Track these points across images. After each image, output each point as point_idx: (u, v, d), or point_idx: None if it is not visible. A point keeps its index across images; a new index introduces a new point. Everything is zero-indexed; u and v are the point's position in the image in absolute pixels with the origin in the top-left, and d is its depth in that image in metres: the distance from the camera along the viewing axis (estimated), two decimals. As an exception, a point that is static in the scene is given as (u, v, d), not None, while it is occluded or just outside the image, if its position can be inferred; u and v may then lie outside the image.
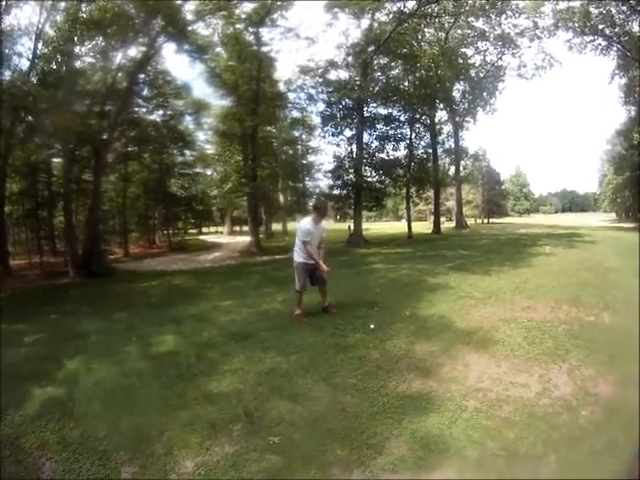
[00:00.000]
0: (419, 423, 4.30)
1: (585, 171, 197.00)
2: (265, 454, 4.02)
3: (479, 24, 35.79)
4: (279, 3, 27.49)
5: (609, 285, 9.82)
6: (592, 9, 32.37)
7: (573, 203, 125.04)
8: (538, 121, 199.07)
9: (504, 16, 34.09)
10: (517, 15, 34.12)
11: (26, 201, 30.10)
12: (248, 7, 27.41)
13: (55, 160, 28.54)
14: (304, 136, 40.40)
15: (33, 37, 23.80)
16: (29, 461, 4.24)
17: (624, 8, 31.73)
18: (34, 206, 30.07)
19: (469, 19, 34.66)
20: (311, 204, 36.77)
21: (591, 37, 34.17)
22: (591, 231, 28.41)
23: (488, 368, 5.45)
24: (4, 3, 21.96)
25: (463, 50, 37.62)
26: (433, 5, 30.21)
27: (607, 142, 59.33)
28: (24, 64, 24.01)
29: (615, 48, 34.68)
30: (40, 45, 24.24)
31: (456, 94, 38.69)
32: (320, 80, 32.30)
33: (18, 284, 20.67)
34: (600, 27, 32.97)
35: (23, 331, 9.52)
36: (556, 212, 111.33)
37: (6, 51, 22.82)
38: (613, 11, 32.21)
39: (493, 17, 34.07)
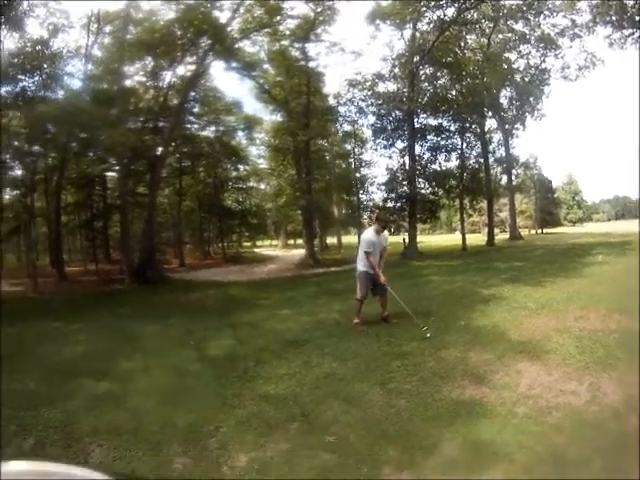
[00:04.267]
0: (471, 427, 4.37)
1: (637, 174, 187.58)
2: (319, 452, 4.12)
3: (519, 27, 35.20)
4: (321, 18, 27.82)
5: None
6: (627, 1, 31.45)
7: (626, 210, 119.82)
8: (586, 124, 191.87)
9: (542, 16, 33.41)
10: (555, 14, 33.42)
11: (81, 212, 31.59)
12: (292, 23, 27.96)
13: (109, 174, 29.81)
14: (356, 149, 40.38)
15: (83, 59, 25.27)
16: (78, 446, 4.42)
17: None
18: (90, 217, 31.47)
19: (508, 22, 34.17)
20: (365, 217, 36.97)
21: (630, 30, 33.13)
22: None
23: (539, 376, 5.48)
24: (51, 27, 23.05)
25: (506, 55, 37.00)
26: (472, 11, 30.11)
27: None
28: (75, 84, 25.52)
29: None
30: (90, 66, 25.71)
31: (503, 101, 38.07)
32: (369, 93, 32.58)
33: (74, 288, 21.67)
34: (637, 19, 32.00)
35: (79, 330, 10.07)
36: (609, 220, 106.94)
37: (57, 72, 24.00)
38: None
39: (532, 18, 33.42)
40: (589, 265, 15.41)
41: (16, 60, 22.83)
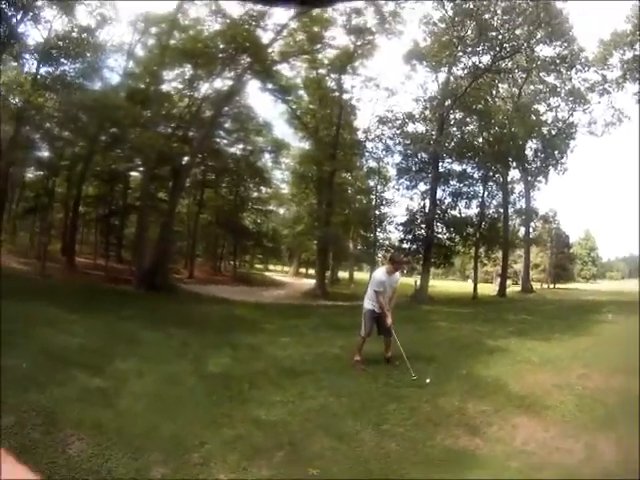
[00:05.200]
0: (459, 477, 4.30)
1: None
2: (300, 483, 4.03)
3: (550, 79, 35.52)
4: (360, 52, 28.20)
5: None
6: None
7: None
8: (607, 180, 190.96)
9: (574, 70, 33.69)
10: (586, 69, 33.76)
11: (100, 206, 31.81)
12: (331, 53, 28.30)
13: (133, 173, 30.04)
14: (379, 186, 40.42)
15: (124, 55, 25.88)
16: (59, 435, 4.43)
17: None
18: (107, 212, 31.75)
19: (541, 74, 34.47)
20: (380, 255, 36.86)
21: None
22: None
23: (536, 432, 5.37)
24: (99, 18, 23.59)
25: (535, 106, 37.24)
26: (507, 60, 30.39)
27: None
28: (114, 79, 26.18)
29: None
30: (130, 64, 26.26)
31: (528, 152, 38.02)
32: (398, 131, 32.61)
33: (81, 280, 21.84)
34: None
35: (79, 321, 10.12)
36: (622, 278, 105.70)
37: (98, 63, 24.53)
38: None
39: (564, 71, 33.71)
40: (598, 323, 15.26)
41: (61, 43, 23.33)
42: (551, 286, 54.47)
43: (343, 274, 46.61)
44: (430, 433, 5.29)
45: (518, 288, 42.60)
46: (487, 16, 28.49)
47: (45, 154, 25.73)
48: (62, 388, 5.66)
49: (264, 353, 9.24)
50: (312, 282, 33.94)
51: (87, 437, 4.46)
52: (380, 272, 8.47)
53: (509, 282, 42.69)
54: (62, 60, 23.67)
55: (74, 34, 23.76)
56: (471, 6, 27.90)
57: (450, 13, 28.91)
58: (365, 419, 5.66)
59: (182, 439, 4.71)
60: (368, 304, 8.39)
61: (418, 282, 29.73)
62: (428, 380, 7.31)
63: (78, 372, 6.38)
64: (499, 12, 28.62)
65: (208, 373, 7.42)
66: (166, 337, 10.10)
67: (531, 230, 42.81)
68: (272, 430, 5.15)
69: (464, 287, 43.68)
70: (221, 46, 24.09)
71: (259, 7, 23.11)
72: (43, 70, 23.21)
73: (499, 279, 39.61)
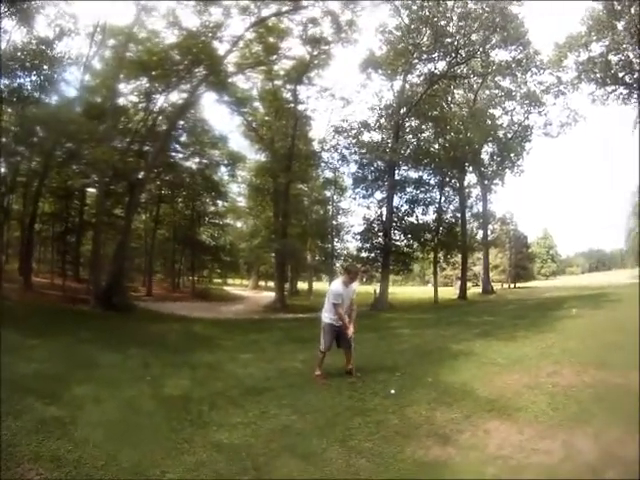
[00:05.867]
0: (435, 490, 4.09)
1: (612, 228, 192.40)
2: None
3: (506, 83, 36.77)
4: (316, 62, 28.31)
5: (636, 345, 9.58)
6: (611, 57, 32.96)
7: (600, 262, 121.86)
8: (564, 179, 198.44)
9: (529, 73, 35.03)
10: (542, 71, 34.99)
11: (56, 223, 31.35)
12: (287, 64, 28.52)
13: (90, 190, 29.37)
14: (335, 196, 40.66)
15: (81, 68, 25.39)
16: (17, 470, 4.27)
17: (642, 52, 32.11)
18: (64, 230, 31.21)
19: (496, 78, 35.36)
20: (339, 265, 36.98)
21: (612, 87, 34.50)
22: (618, 290, 27.77)
23: (510, 435, 5.23)
24: (57, 30, 23.16)
25: (491, 111, 38.24)
26: (462, 66, 30.99)
27: (633, 194, 57.52)
28: (70, 92, 25.68)
29: (636, 95, 34.96)
30: (87, 77, 25.80)
31: (484, 156, 38.87)
32: (353, 141, 32.91)
33: (38, 301, 21.28)
34: (620, 75, 33.30)
35: (37, 346, 9.87)
36: (583, 273, 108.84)
37: (55, 76, 24.08)
38: (631, 56, 32.65)
39: (519, 75, 34.88)
40: (562, 319, 15.29)
41: (19, 54, 22.89)
42: (512, 286, 55.55)
43: (302, 285, 46.65)
44: (400, 446, 5.08)
45: (479, 290, 43.18)
46: (443, 22, 29.01)
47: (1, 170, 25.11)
48: (19, 419, 5.46)
49: (224, 372, 9.04)
50: (272, 295, 34.04)
51: (46, 471, 4.29)
52: (337, 284, 8.28)
53: (469, 284, 43.30)
54: (19, 73, 23.27)
55: (32, 46, 23.37)
56: (427, 13, 28.31)
57: (406, 21, 29.31)
58: (331, 436, 5.44)
59: (143, 469, 4.50)
60: (326, 318, 8.23)
61: (377, 290, 29.72)
62: (393, 390, 7.10)
63: (35, 401, 6.19)
64: (455, 18, 29.14)
65: (167, 396, 7.18)
66: (124, 359, 9.88)
67: (489, 232, 43.70)
68: (235, 454, 4.91)
69: (424, 292, 44.10)
70: (177, 58, 23.92)
71: (215, 18, 23.24)
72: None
73: (459, 282, 40.16)
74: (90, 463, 4.51)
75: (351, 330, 7.97)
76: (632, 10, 30.07)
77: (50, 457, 4.55)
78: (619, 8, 30.82)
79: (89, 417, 5.83)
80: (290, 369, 9.23)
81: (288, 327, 18.46)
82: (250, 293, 44.41)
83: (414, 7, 28.84)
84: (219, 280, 48.02)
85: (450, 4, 28.85)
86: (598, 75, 33.33)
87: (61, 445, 4.85)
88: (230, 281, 52.74)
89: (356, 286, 8.58)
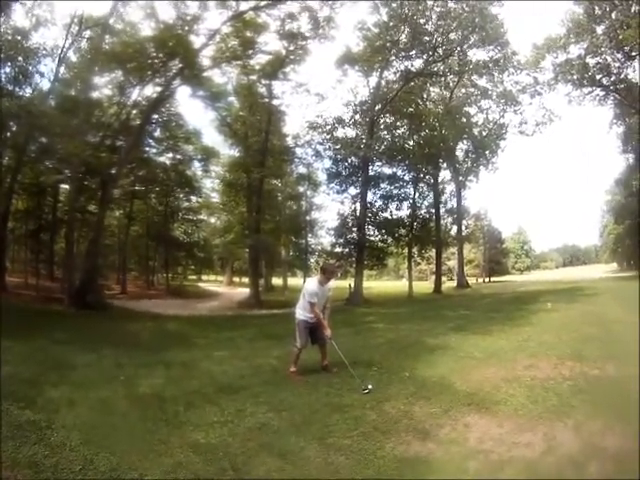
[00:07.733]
0: (417, 485, 4.04)
1: (586, 224, 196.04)
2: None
3: (482, 82, 37.03)
4: (292, 57, 28.15)
5: (612, 337, 9.82)
6: (589, 59, 33.70)
7: (574, 257, 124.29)
8: (539, 177, 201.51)
9: (506, 73, 35.28)
10: (519, 72, 35.38)
11: (29, 221, 30.84)
12: (263, 59, 28.20)
13: (63, 186, 29.10)
14: (309, 192, 40.62)
15: (56, 60, 24.87)
16: None
17: (619, 56, 32.99)
18: (37, 228, 30.81)
19: (473, 77, 35.61)
20: (313, 261, 36.93)
21: (589, 88, 35.46)
22: (592, 284, 28.42)
23: (490, 429, 5.22)
24: (34, 20, 22.60)
25: (467, 109, 38.69)
26: (439, 64, 31.06)
27: (607, 192, 58.83)
28: (45, 85, 25.18)
29: (612, 97, 36.07)
30: (62, 69, 25.33)
31: (459, 153, 39.44)
32: (327, 137, 32.94)
33: (12, 301, 20.86)
34: (597, 77, 34.05)
35: (10, 349, 9.49)
36: (557, 267, 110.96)
37: (29, 68, 23.58)
38: (609, 59, 33.49)
39: (496, 75, 35.15)
40: (537, 312, 15.57)
41: None
42: (486, 280, 56.21)
43: (277, 281, 46.57)
44: (379, 442, 5.00)
45: (454, 284, 43.57)
46: (422, 21, 29.10)
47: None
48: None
49: (199, 370, 8.91)
50: (246, 291, 33.89)
51: (24, 478, 4.20)
52: (312, 283, 8.16)
53: (444, 279, 43.66)
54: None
55: (8, 36, 22.71)
56: (406, 11, 28.27)
57: (385, 18, 29.21)
58: (309, 434, 5.36)
59: (121, 472, 4.38)
60: (300, 314, 8.12)
61: (352, 285, 29.66)
62: (370, 386, 6.99)
63: (10, 406, 5.99)
64: (434, 17, 29.25)
65: (142, 395, 7.03)
66: (99, 359, 9.68)
67: (464, 228, 43.99)
68: (212, 455, 4.80)
69: (399, 286, 44.24)
70: (152, 50, 23.56)
71: (192, 11, 23.03)
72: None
73: (434, 276, 40.43)
74: (68, 468, 4.39)
75: (329, 332, 7.89)
76: (613, 15, 30.57)
77: (28, 463, 4.43)
78: (599, 12, 31.33)
79: (65, 420, 5.69)
80: (265, 366, 9.15)
81: (262, 323, 18.43)
82: (225, 289, 44.25)
83: (394, 5, 28.89)
84: (193, 277, 47.67)
85: (430, 3, 29.05)
86: (575, 77, 34.00)
87: (38, 450, 4.72)
88: (204, 277, 52.43)
89: (332, 284, 8.51)
